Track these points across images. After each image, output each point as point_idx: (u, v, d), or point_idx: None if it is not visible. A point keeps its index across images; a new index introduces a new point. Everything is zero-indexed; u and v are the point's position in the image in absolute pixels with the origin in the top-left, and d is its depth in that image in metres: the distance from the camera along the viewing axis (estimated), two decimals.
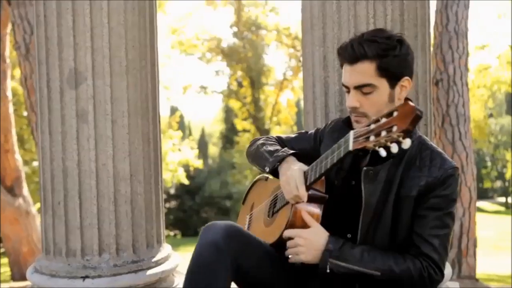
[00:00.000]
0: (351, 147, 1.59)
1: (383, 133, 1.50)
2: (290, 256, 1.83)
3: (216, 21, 50.88)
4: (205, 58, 22.64)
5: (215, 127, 37.97)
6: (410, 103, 1.50)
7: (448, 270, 2.56)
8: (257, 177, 2.39)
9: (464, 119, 7.87)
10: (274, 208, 2.06)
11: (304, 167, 1.90)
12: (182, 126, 26.98)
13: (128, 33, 2.41)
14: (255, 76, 23.30)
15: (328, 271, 1.75)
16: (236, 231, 1.83)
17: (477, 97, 14.32)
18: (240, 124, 24.20)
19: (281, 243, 1.88)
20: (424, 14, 2.45)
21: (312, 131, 2.21)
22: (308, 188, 1.83)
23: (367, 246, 1.78)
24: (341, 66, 1.90)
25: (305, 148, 2.15)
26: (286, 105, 24.18)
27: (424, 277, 1.75)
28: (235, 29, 22.48)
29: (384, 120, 1.52)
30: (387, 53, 1.79)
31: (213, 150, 36.36)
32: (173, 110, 28.25)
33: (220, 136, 33.31)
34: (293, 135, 2.25)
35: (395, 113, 1.50)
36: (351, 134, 1.61)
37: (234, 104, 24.49)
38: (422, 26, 2.43)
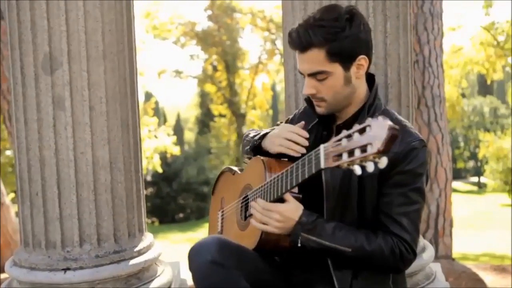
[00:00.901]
0: (323, 165, 1.52)
1: (357, 153, 1.40)
2: (255, 223, 1.79)
3: (190, 4, 50.38)
4: (179, 43, 22.41)
5: (191, 112, 37.75)
6: (385, 120, 1.37)
7: (430, 252, 2.57)
8: (223, 168, 2.34)
9: (440, 101, 7.93)
10: (247, 211, 1.99)
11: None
12: (157, 112, 26.74)
13: (104, 16, 2.34)
14: (230, 60, 23.17)
15: (299, 245, 1.72)
16: (226, 243, 1.78)
17: (450, 77, 14.46)
18: (216, 108, 24.08)
19: (261, 249, 1.84)
20: None
21: (284, 121, 2.17)
22: (278, 198, 1.77)
23: (339, 224, 1.75)
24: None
25: None
26: (261, 89, 24.14)
27: (396, 254, 1.72)
28: (209, 12, 22.27)
29: (356, 136, 1.42)
30: (335, 37, 1.72)
31: (189, 135, 36.20)
32: (147, 96, 27.97)
33: (195, 121, 33.14)
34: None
35: (368, 130, 1.39)
36: (322, 149, 1.53)
37: (210, 88, 24.34)
38: (404, 6, 2.40)
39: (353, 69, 1.79)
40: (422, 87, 7.85)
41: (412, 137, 1.75)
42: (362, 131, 1.41)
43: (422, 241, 2.57)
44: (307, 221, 1.72)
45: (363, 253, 1.71)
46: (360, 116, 1.83)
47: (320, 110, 1.87)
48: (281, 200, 1.76)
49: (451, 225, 8.04)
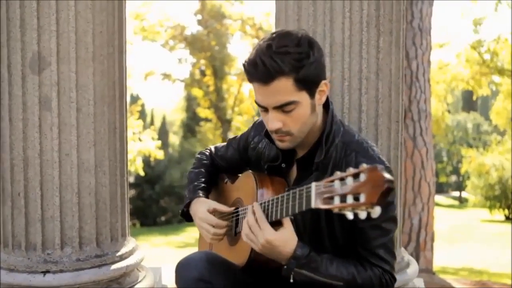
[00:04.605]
0: (313, 205, 1.44)
1: (349, 200, 1.34)
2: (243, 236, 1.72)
3: (180, 8, 50.33)
4: (168, 45, 22.34)
5: (176, 116, 37.61)
6: (382, 172, 1.31)
7: (414, 267, 2.57)
8: None
9: (426, 115, 8.00)
10: (237, 227, 1.94)
11: (213, 205, 1.98)
12: (143, 114, 26.60)
13: (95, 18, 2.31)
14: (218, 65, 23.13)
15: (291, 280, 1.65)
16: (214, 259, 1.76)
17: (436, 92, 14.58)
18: (202, 111, 24.00)
19: (249, 268, 1.81)
20: (399, 9, 2.42)
21: (238, 136, 2.13)
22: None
23: (329, 255, 1.69)
24: (249, 81, 1.68)
25: (235, 157, 2.12)
26: (248, 95, 24.14)
27: (383, 284, 1.71)
28: (199, 17, 22.26)
29: (350, 181, 1.35)
30: (302, 64, 1.60)
31: (174, 139, 36.04)
32: (133, 98, 27.84)
33: (181, 125, 33.02)
34: (225, 144, 2.19)
35: (362, 176, 1.33)
36: (313, 188, 1.44)
37: (197, 92, 24.28)
38: (397, 22, 2.41)
39: (317, 96, 1.70)
40: (408, 101, 7.91)
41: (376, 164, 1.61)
42: (356, 176, 1.35)
43: (407, 256, 2.57)
44: (301, 255, 1.64)
45: (355, 286, 1.68)
46: (319, 147, 1.75)
47: (283, 145, 1.74)
48: (276, 223, 1.67)
49: (432, 239, 8.09)
